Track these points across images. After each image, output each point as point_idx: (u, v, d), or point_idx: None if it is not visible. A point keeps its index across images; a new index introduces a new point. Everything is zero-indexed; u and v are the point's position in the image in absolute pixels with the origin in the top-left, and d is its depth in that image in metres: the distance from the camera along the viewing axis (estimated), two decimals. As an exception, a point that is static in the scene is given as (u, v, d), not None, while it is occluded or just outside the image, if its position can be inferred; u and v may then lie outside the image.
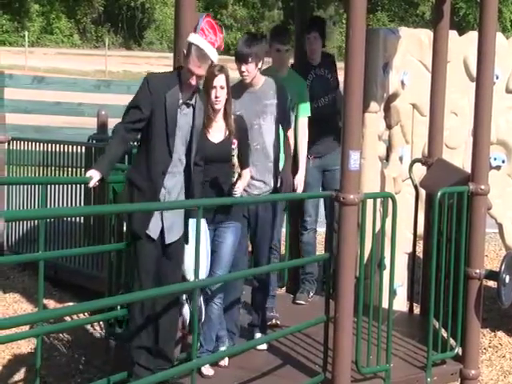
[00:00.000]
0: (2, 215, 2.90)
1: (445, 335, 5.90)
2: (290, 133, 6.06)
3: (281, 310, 6.38)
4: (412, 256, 6.96)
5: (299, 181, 6.30)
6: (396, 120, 7.19)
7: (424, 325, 5.99)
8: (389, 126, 7.21)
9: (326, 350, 5.32)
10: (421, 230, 6.82)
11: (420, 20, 57.18)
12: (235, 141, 5.33)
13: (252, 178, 5.68)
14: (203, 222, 5.05)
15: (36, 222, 7.50)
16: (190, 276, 5.07)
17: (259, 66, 5.71)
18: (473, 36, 7.00)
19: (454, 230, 5.77)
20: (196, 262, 4.62)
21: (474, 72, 6.33)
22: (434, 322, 5.74)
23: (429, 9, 55.36)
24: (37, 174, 8.53)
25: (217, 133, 5.43)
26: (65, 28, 55.99)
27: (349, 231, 5.11)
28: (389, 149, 7.28)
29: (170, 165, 5.08)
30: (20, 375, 6.06)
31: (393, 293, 5.57)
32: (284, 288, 7.38)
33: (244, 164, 5.52)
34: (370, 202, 5.34)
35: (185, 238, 5.18)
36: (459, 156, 7.47)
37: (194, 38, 5.03)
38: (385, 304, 5.47)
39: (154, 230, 5.12)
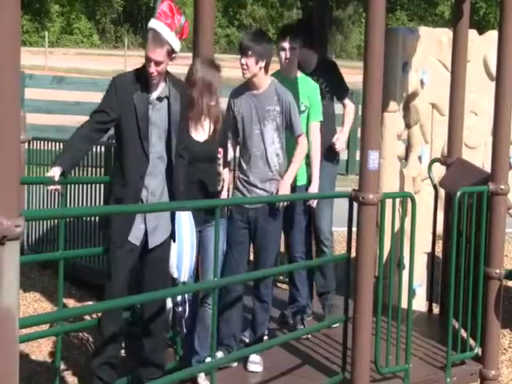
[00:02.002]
0: (23, 214, 2.91)
1: (464, 335, 5.88)
2: (303, 139, 5.59)
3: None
4: (431, 256, 6.94)
5: (313, 191, 5.97)
6: (415, 119, 7.17)
7: (443, 325, 5.97)
8: (408, 126, 7.19)
9: (345, 349, 5.31)
10: (440, 229, 6.80)
11: (439, 19, 57.00)
12: (221, 150, 5.10)
13: (251, 184, 5.46)
14: (188, 215, 4.93)
15: (56, 221, 7.54)
16: (175, 273, 4.95)
17: (260, 64, 5.35)
18: (493, 35, 6.97)
19: (473, 230, 5.75)
20: (215, 262, 4.61)
21: (493, 71, 6.31)
22: (453, 322, 5.72)
23: (448, 8, 55.18)
24: (57, 174, 8.56)
25: (202, 131, 5.23)
26: (84, 28, 56.27)
27: (368, 231, 5.10)
28: (408, 148, 7.27)
29: (147, 168, 4.83)
30: (40, 374, 6.09)
31: (412, 293, 5.55)
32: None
33: (225, 163, 5.31)
34: (389, 201, 5.33)
35: (172, 236, 4.97)
36: (479, 156, 7.44)
37: (151, 23, 4.82)
38: (404, 304, 5.46)
39: (136, 235, 4.86)
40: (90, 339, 6.80)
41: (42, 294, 7.85)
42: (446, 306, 5.92)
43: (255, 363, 5.43)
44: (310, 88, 6.03)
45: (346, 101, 6.66)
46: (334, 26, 54.31)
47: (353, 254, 5.29)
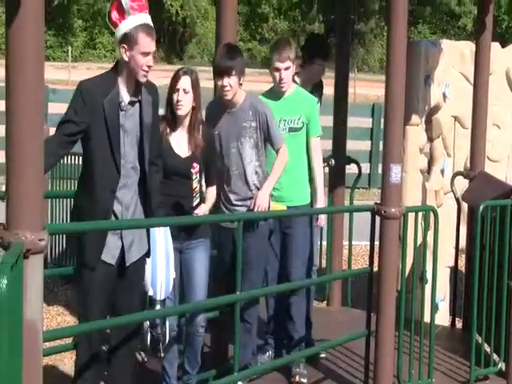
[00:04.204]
0: (46, 228, 2.93)
1: (488, 350, 5.84)
2: (284, 151, 5.30)
3: (321, 323, 6.35)
4: (454, 270, 6.91)
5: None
6: (437, 133, 7.16)
7: (466, 339, 5.93)
8: (430, 139, 7.18)
9: (368, 364, 5.29)
10: (463, 243, 6.77)
11: (462, 32, 56.82)
12: (196, 165, 4.85)
13: (232, 204, 5.25)
14: (163, 230, 4.64)
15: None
16: (150, 290, 4.63)
17: (241, 80, 5.16)
18: (515, 48, 6.96)
19: (496, 244, 5.72)
20: (240, 272, 4.59)
21: (516, 84, 6.29)
22: (476, 336, 5.69)
23: (471, 21, 55.02)
24: (80, 188, 8.61)
25: (184, 146, 4.94)
26: (107, 43, 56.54)
27: (390, 245, 5.09)
28: (430, 162, 7.25)
29: (119, 181, 4.47)
30: (63, 387, 6.10)
31: (435, 307, 5.53)
32: (325, 302, 7.38)
33: (210, 180, 5.06)
34: (411, 215, 5.32)
35: (147, 251, 4.64)
36: (502, 169, 7.41)
37: (130, 21, 4.44)
38: (426, 318, 5.44)
39: (111, 253, 4.50)
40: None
41: (65, 308, 7.88)
42: (469, 321, 5.89)
43: None
44: (307, 102, 5.72)
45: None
46: (356, 40, 54.43)
47: (375, 268, 5.28)
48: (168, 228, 4.67)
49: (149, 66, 4.47)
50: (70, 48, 46.70)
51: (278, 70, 5.56)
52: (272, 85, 5.74)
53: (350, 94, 8.00)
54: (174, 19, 57.69)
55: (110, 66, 4.78)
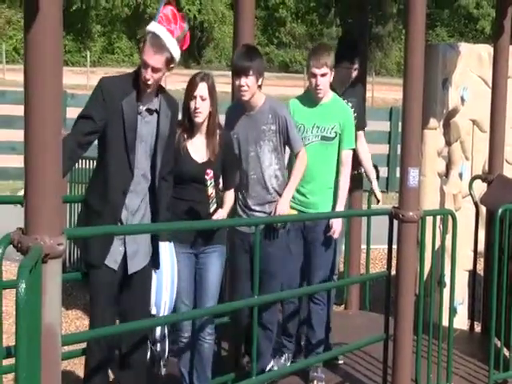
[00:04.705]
0: (65, 233, 2.94)
1: (507, 354, 5.81)
2: (303, 155, 5.25)
3: (339, 327, 6.34)
4: (473, 273, 6.89)
5: (335, 223, 5.48)
6: (456, 136, 7.14)
7: (485, 343, 5.91)
8: (448, 143, 7.16)
9: (386, 368, 5.28)
10: (481, 246, 6.74)
11: (480, 35, 56.70)
12: (210, 171, 4.75)
13: (250, 209, 5.20)
14: (167, 245, 4.61)
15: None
16: (153, 309, 4.58)
17: (259, 82, 5.08)
18: (534, 51, 6.92)
19: (515, 247, 5.70)
20: (257, 277, 4.60)
21: (535, 87, 6.26)
22: (495, 340, 5.66)
23: (489, 24, 54.88)
24: (98, 192, 8.64)
25: (201, 151, 4.87)
26: (125, 48, 56.86)
27: (408, 248, 5.08)
28: (448, 165, 7.23)
29: (131, 182, 4.45)
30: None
31: (453, 311, 5.51)
32: (343, 305, 7.38)
33: (228, 184, 5.01)
34: (429, 218, 5.30)
35: (154, 263, 4.58)
36: (521, 172, 7.37)
37: (151, 26, 4.45)
38: (445, 322, 5.42)
39: (114, 259, 4.46)
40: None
41: (83, 312, 7.90)
42: (488, 324, 5.87)
43: None
44: (343, 112, 5.60)
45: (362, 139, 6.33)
46: (374, 43, 54.39)
47: (393, 272, 5.27)
48: (173, 247, 4.65)
49: (146, 79, 4.38)
50: (88, 53, 46.94)
51: (315, 75, 5.46)
52: (302, 90, 5.71)
53: (367, 97, 7.99)
54: (192, 24, 57.81)
55: (128, 70, 4.77)
